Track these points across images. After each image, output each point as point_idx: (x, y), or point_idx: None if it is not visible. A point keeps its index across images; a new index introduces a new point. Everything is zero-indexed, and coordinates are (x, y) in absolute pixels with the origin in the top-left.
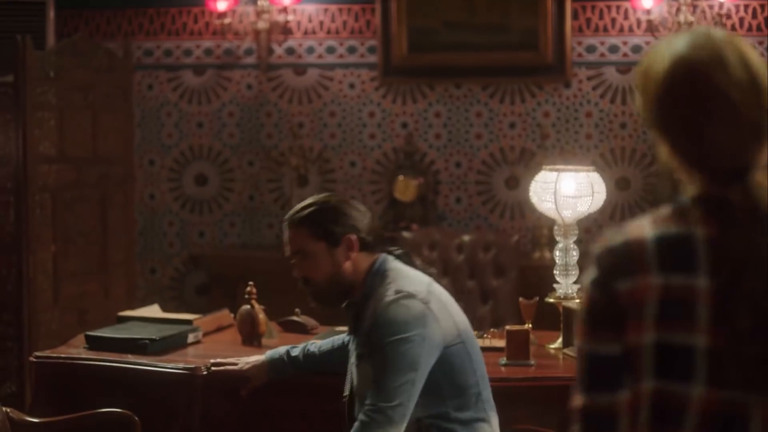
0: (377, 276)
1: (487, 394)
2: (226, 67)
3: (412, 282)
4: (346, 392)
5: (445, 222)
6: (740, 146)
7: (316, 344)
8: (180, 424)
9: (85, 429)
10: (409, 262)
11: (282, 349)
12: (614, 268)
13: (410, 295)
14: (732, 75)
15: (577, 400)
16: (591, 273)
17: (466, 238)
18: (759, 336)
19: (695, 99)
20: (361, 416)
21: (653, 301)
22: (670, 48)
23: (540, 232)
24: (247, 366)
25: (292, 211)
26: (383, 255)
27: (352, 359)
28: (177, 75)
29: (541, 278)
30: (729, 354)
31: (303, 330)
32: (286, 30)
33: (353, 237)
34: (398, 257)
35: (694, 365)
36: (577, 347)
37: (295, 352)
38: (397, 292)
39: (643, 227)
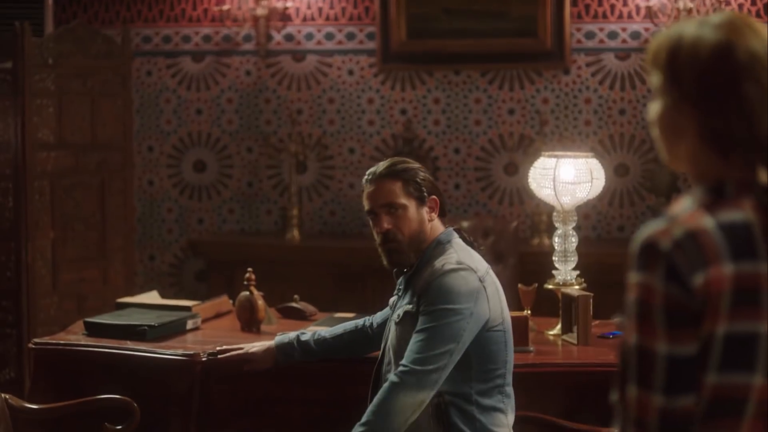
0: (440, 245)
1: (510, 390)
2: (224, 53)
3: (474, 259)
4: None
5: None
6: None
7: (328, 329)
8: (179, 410)
9: (84, 415)
10: (470, 243)
11: (292, 334)
12: (688, 262)
13: (470, 269)
14: None
15: (655, 405)
16: (659, 269)
17: (465, 224)
18: None
19: (753, 79)
20: (391, 377)
21: (728, 290)
22: (709, 29)
23: (539, 218)
24: (253, 349)
25: (379, 167)
26: (450, 228)
27: (394, 316)
28: (176, 61)
29: (540, 265)
30: None
31: (302, 316)
32: (284, 16)
33: (436, 199)
34: (462, 236)
35: (757, 354)
36: (643, 348)
37: (305, 337)
38: (459, 263)
39: (698, 216)
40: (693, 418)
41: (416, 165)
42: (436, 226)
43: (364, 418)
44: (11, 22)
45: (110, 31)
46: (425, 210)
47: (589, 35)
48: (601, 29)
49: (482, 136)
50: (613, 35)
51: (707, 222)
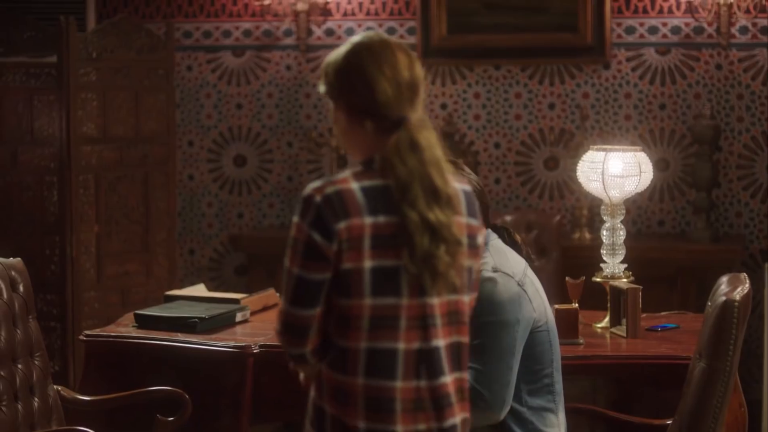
0: None
1: (560, 387)
2: (265, 48)
3: (509, 262)
4: None
5: None
6: None
7: None
8: (230, 401)
9: (135, 407)
10: (512, 242)
11: None
12: (334, 212)
13: (507, 275)
14: None
15: (284, 309)
16: (309, 216)
17: (508, 218)
18: (429, 255)
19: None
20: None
21: (367, 235)
22: (344, 52)
23: (579, 212)
24: None
25: None
26: (487, 230)
27: None
28: (216, 56)
29: (581, 259)
30: (413, 270)
31: None
32: (325, 11)
33: None
34: (501, 234)
35: (400, 282)
36: (288, 269)
37: None
38: (495, 270)
39: (348, 180)
40: (311, 325)
41: None
42: None
43: None
44: (54, 17)
45: (150, 25)
46: None
47: (630, 30)
48: (642, 24)
49: (522, 131)
50: (653, 30)
51: (353, 185)
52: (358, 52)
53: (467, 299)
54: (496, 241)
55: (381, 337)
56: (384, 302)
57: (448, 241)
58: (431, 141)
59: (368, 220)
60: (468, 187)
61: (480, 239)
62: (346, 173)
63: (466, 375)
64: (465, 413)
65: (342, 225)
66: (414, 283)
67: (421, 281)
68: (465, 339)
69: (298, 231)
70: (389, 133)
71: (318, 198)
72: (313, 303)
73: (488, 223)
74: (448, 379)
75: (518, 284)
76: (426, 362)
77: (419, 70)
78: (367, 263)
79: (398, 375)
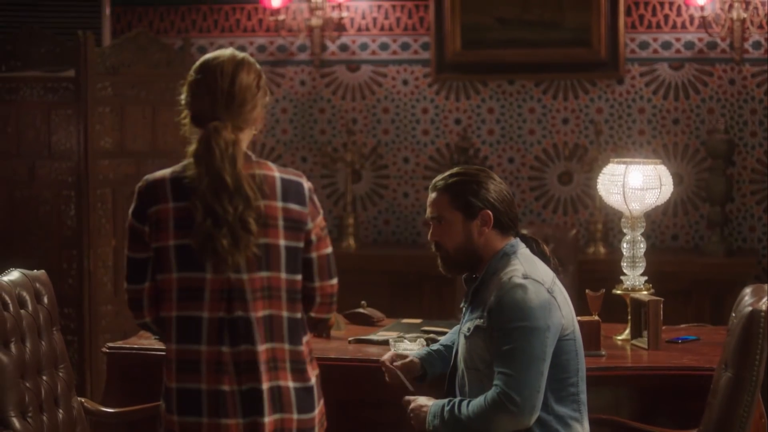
0: (505, 257)
1: (584, 397)
2: (279, 63)
3: (539, 270)
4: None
5: None
6: None
7: (440, 342)
8: None
9: (158, 419)
10: (540, 252)
11: (423, 351)
12: (147, 199)
13: (537, 282)
14: None
15: (123, 287)
16: (133, 204)
17: (524, 232)
18: (210, 238)
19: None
20: (493, 395)
21: (171, 218)
22: (217, 57)
23: (594, 226)
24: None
25: (439, 177)
26: (516, 239)
27: (464, 329)
28: None
29: (596, 272)
30: (197, 249)
31: (369, 322)
32: (339, 26)
33: (489, 213)
34: (529, 245)
35: (199, 258)
36: (126, 253)
37: (435, 347)
38: (525, 276)
39: (166, 173)
40: (142, 297)
41: (474, 177)
42: (491, 239)
43: (465, 410)
44: (71, 32)
45: (165, 40)
46: (474, 224)
47: (643, 45)
48: (655, 39)
49: (536, 146)
50: (666, 45)
51: (167, 177)
52: (194, 68)
53: (285, 276)
54: (524, 250)
55: (188, 307)
56: (188, 276)
57: (233, 226)
58: (229, 141)
59: (172, 205)
60: (296, 179)
61: (310, 224)
62: (169, 168)
63: (287, 346)
64: (285, 381)
65: (152, 210)
66: (218, 260)
67: (203, 259)
68: (282, 312)
69: (128, 219)
70: None
71: (139, 186)
72: (140, 279)
73: (517, 232)
74: (259, 348)
75: (548, 291)
76: (228, 330)
77: (245, 81)
78: (172, 242)
79: (203, 340)
